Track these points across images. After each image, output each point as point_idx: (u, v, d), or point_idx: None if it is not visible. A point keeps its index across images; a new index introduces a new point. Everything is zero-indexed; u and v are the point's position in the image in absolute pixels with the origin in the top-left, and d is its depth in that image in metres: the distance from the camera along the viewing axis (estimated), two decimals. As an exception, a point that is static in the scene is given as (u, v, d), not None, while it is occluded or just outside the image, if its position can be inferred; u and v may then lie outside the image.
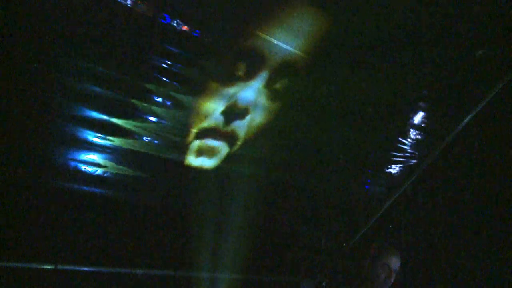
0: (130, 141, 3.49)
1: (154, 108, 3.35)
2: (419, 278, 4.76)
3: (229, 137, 3.67)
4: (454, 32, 3.52)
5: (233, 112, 3.50)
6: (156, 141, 3.60)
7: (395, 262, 2.93)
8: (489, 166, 4.41)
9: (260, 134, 3.72)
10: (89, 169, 3.59)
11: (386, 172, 4.68)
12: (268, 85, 3.40)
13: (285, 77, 3.42)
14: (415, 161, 4.57)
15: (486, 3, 3.34)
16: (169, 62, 3.15)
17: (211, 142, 3.67)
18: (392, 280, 2.91)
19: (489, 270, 4.30)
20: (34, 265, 3.66)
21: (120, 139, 3.46)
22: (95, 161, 3.56)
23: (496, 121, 4.31)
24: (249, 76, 3.32)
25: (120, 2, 2.76)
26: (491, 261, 4.31)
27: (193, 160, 3.73)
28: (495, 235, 4.32)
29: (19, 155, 3.31)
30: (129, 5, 2.79)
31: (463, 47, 3.64)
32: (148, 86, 3.21)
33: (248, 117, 3.57)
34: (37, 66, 2.91)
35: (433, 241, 4.82)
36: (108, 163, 3.60)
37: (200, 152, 3.70)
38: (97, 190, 3.73)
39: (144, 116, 3.39)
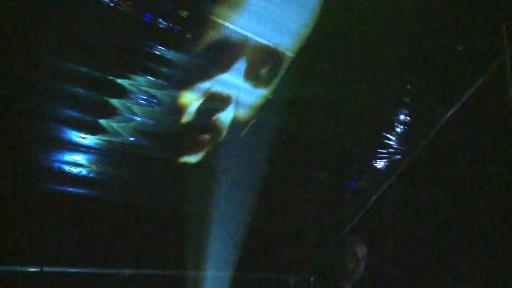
0: (115, 140, 3.47)
1: (138, 107, 3.34)
2: (406, 271, 4.80)
3: (211, 135, 3.67)
4: (436, 26, 3.56)
5: (213, 108, 3.50)
6: (142, 141, 3.58)
7: (360, 250, 3.03)
8: (474, 159, 4.46)
9: (242, 130, 3.72)
10: (74, 169, 3.55)
11: (372, 167, 4.71)
12: (249, 78, 3.41)
13: (266, 72, 3.42)
14: (400, 156, 4.61)
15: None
16: (153, 61, 3.14)
17: (195, 137, 3.67)
18: (362, 267, 3.02)
19: (476, 262, 4.35)
20: (19, 268, 3.62)
21: (104, 139, 3.44)
22: (80, 162, 3.53)
23: (479, 114, 4.36)
24: (226, 68, 3.32)
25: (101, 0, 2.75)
26: (478, 254, 4.36)
27: (178, 158, 3.72)
28: (482, 228, 4.37)
29: (1, 157, 3.27)
30: (110, 4, 2.77)
31: (445, 41, 3.68)
32: (131, 85, 3.20)
33: (228, 113, 3.57)
34: (19, 67, 2.88)
35: (419, 235, 4.87)
36: (93, 164, 3.57)
37: (186, 149, 3.69)
38: (82, 191, 3.69)
39: (129, 116, 3.37)
